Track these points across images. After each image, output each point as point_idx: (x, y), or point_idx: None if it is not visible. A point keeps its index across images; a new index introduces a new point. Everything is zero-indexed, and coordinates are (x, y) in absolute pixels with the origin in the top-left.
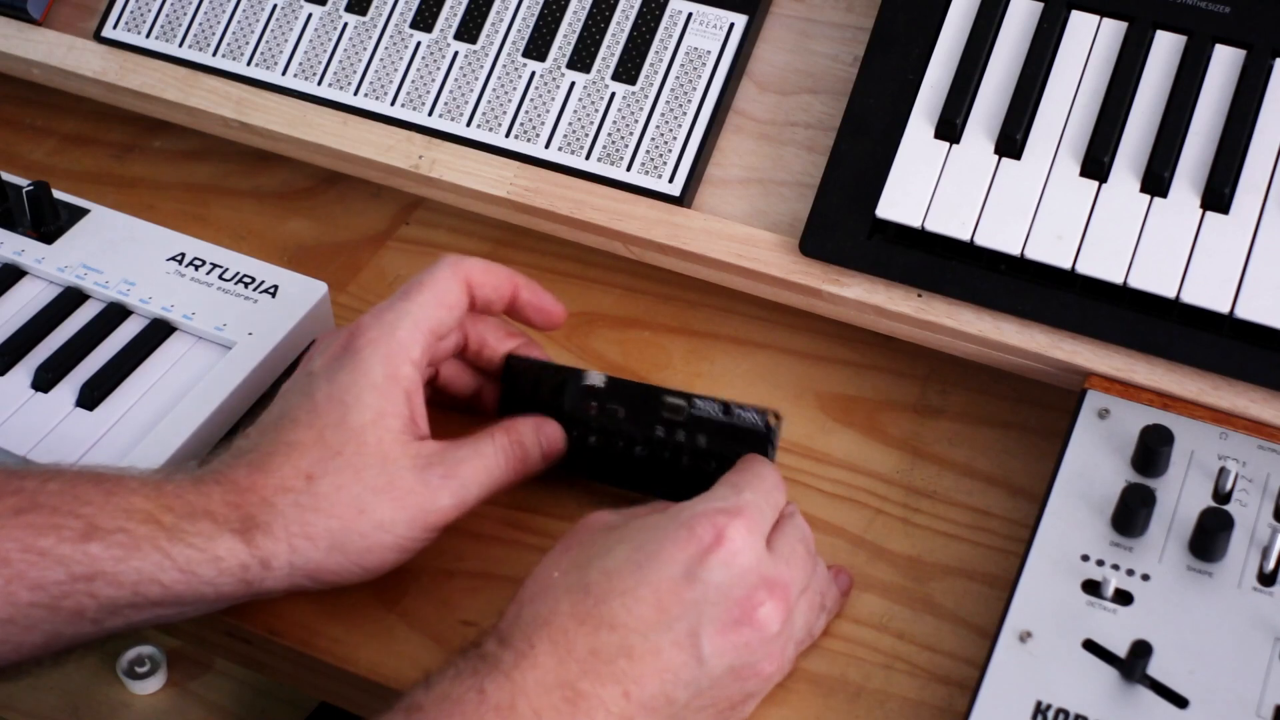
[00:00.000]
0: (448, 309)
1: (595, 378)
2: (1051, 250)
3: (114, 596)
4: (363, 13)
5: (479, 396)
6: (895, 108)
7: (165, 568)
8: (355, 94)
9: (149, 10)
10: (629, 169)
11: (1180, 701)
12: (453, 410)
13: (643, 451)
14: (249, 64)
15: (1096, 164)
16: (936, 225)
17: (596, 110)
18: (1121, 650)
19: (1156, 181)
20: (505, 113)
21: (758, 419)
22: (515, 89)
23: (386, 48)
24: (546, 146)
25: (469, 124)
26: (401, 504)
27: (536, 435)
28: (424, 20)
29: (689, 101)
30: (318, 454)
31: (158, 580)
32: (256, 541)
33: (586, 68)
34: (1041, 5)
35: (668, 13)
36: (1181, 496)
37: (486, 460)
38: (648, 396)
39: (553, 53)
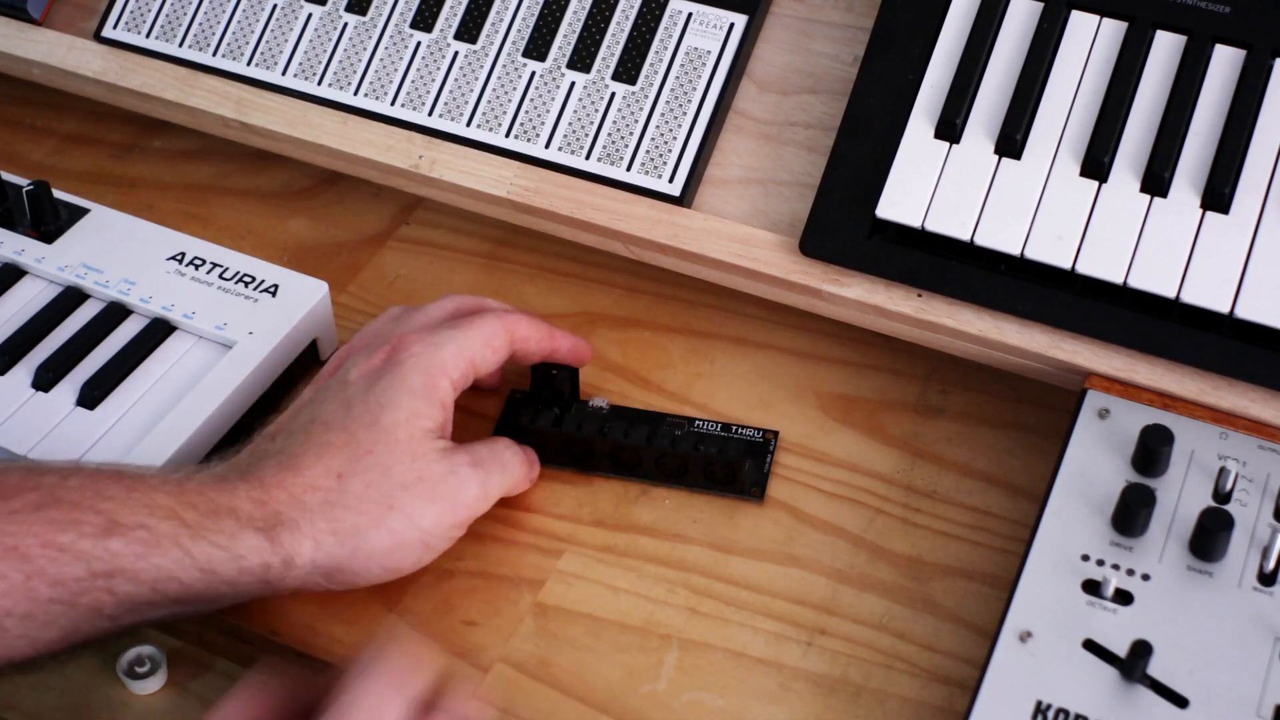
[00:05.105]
0: (491, 350)
1: (599, 402)
2: (1051, 250)
3: (133, 593)
4: (363, 13)
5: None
6: (895, 108)
7: (186, 565)
8: (355, 94)
9: (149, 10)
10: (629, 169)
11: (1180, 701)
12: None
13: (645, 455)
14: (249, 64)
15: (1096, 164)
16: (936, 225)
17: (596, 110)
18: (1121, 650)
19: (1156, 181)
20: (505, 113)
21: (755, 434)
22: (515, 89)
23: (386, 48)
24: (546, 146)
25: (469, 124)
26: (431, 496)
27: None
28: (424, 20)
29: (689, 101)
30: (349, 453)
31: (177, 578)
32: (281, 539)
33: (586, 68)
34: (1041, 5)
35: (668, 13)
36: (1181, 496)
37: (504, 457)
38: (650, 419)
39: (553, 53)
